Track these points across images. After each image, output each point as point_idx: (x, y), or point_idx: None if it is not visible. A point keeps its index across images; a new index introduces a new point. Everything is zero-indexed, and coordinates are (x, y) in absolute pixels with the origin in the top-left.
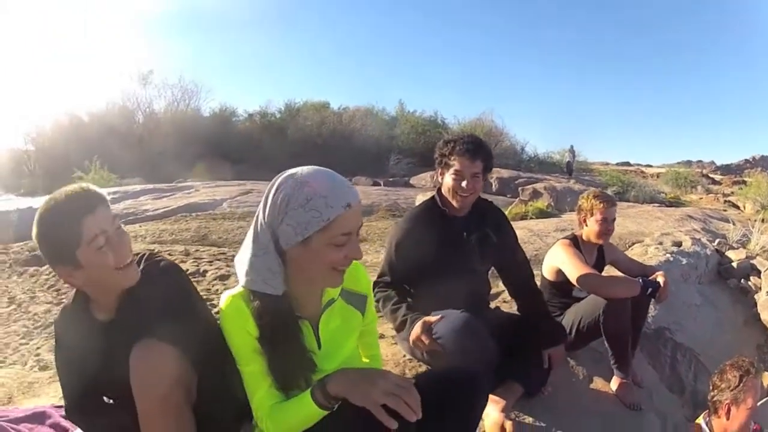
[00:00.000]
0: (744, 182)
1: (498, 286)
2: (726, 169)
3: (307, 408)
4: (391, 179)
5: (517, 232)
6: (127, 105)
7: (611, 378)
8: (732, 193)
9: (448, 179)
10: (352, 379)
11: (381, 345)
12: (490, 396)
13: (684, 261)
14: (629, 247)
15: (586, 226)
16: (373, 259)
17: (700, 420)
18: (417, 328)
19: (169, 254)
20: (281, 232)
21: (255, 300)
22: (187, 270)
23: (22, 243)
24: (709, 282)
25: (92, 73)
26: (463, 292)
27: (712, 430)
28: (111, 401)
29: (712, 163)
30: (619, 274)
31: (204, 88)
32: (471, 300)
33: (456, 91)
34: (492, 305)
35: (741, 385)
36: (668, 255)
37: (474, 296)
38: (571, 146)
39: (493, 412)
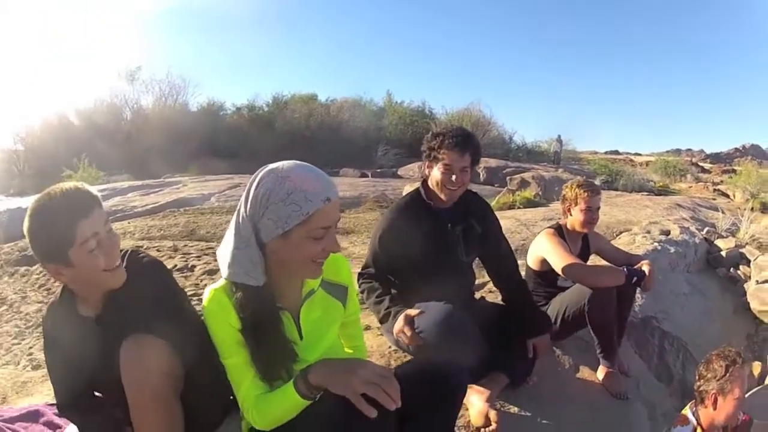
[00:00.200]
0: (734, 171)
1: (483, 276)
2: (716, 158)
3: (290, 398)
4: (378, 170)
5: (505, 222)
6: (115, 102)
7: (597, 367)
8: (721, 181)
9: (436, 173)
10: (332, 368)
11: (367, 336)
12: (475, 386)
13: (672, 250)
14: (617, 236)
15: (571, 215)
16: (360, 250)
17: (687, 411)
18: (399, 322)
19: (158, 250)
20: (262, 225)
21: (237, 292)
22: (176, 265)
23: (12, 243)
24: (698, 271)
25: (81, 72)
26: (448, 283)
27: (698, 420)
28: (101, 396)
29: (702, 151)
30: (605, 263)
31: (191, 83)
32: (456, 291)
33: (444, 81)
34: (477, 295)
35: (727, 375)
36: (656, 244)
37: (459, 287)
38: (558, 136)
39: (477, 402)
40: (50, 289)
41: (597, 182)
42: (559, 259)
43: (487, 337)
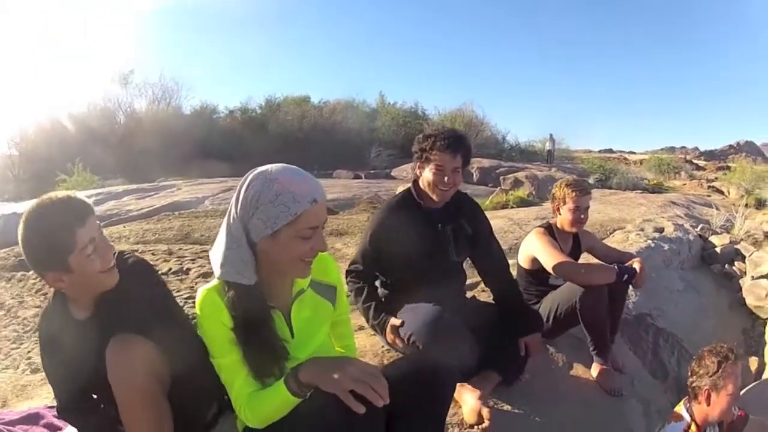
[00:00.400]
0: (728, 168)
1: (475, 276)
2: (710, 155)
3: (281, 396)
4: (372, 171)
5: (498, 221)
6: (108, 106)
7: (591, 365)
8: (716, 178)
9: (428, 174)
10: (322, 366)
11: (359, 336)
12: (467, 384)
13: (666, 247)
14: (611, 234)
15: (560, 214)
16: (353, 252)
17: (681, 407)
18: (389, 333)
19: (153, 254)
20: (252, 225)
21: (230, 291)
22: (171, 269)
23: (8, 248)
24: (692, 267)
25: (78, 73)
26: (440, 282)
27: (692, 416)
28: (97, 397)
29: (696, 149)
30: (596, 261)
31: (184, 86)
32: (447, 290)
33: (437, 82)
34: (469, 295)
35: (720, 371)
36: (650, 241)
37: (450, 287)
38: (551, 135)
39: (470, 399)
40: (47, 293)
41: (591, 181)
42: (549, 258)
43: (479, 336)
